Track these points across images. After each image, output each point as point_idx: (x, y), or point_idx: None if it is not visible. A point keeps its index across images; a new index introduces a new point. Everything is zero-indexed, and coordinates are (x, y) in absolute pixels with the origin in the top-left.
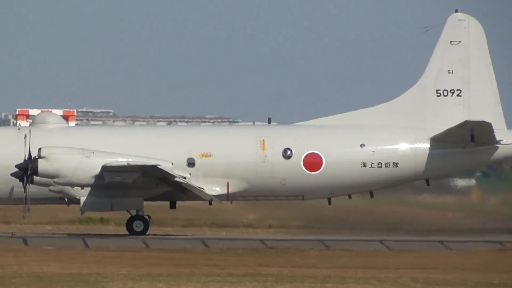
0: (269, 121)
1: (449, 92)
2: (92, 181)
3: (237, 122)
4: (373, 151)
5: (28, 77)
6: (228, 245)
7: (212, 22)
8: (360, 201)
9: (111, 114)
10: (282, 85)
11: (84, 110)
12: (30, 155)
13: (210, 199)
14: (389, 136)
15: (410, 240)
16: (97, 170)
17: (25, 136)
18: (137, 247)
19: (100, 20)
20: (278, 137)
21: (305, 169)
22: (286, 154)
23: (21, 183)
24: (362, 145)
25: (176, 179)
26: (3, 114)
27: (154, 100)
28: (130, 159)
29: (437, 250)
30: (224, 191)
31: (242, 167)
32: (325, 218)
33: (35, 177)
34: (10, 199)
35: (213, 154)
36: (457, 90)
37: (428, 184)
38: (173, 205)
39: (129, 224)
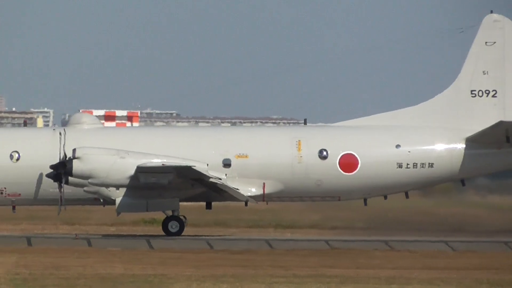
0: (305, 121)
1: (484, 93)
2: (127, 182)
3: (300, 123)
4: (408, 152)
5: (92, 78)
6: (292, 246)
7: (258, 24)
8: (422, 202)
9: (174, 115)
10: (319, 86)
11: (148, 111)
12: (65, 156)
13: (246, 200)
14: (425, 137)
15: (475, 241)
16: (132, 171)
17: (60, 136)
18: (201, 248)
19: (165, 21)
20: (314, 137)
21: (340, 170)
22: (322, 154)
23: (56, 184)
24: (397, 146)
25: (211, 180)
26: (67, 115)
27: (218, 101)
28: (165, 160)
29: (501, 251)
30: (260, 192)
31: (278, 168)
32: (389, 219)
33: (69, 178)
34: (45, 200)
35: (249, 155)
36: (492, 90)
37: (463, 184)
38: (208, 206)
39: (164, 225)
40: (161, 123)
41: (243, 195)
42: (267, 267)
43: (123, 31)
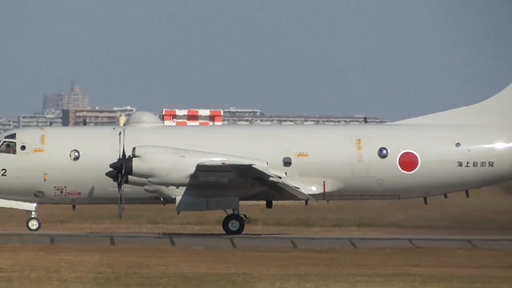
0: (365, 120)
1: None
2: (187, 180)
3: (384, 121)
4: (468, 150)
5: (175, 78)
6: (375, 245)
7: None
8: (506, 200)
9: (257, 113)
10: (377, 84)
11: (231, 110)
12: (124, 155)
13: (306, 199)
14: (485, 135)
15: None
16: (192, 170)
17: (120, 135)
18: (284, 247)
19: (245, 22)
20: (374, 136)
21: (400, 169)
22: (382, 153)
23: (115, 183)
24: (457, 144)
25: (271, 178)
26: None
27: (301, 100)
28: (224, 159)
29: None
30: (320, 191)
31: (338, 166)
32: (472, 218)
33: (129, 177)
34: (105, 199)
35: (309, 153)
36: None
37: None
38: (269, 205)
39: (225, 223)
40: (243, 122)
41: (303, 194)
42: (350, 266)
43: (203, 32)
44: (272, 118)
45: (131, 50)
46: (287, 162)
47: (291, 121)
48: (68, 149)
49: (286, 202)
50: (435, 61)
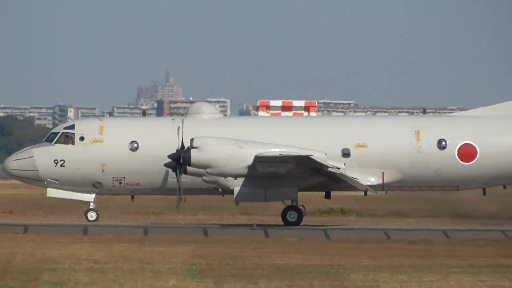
0: (424, 111)
1: None
2: (245, 171)
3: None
4: None
5: (270, 69)
6: (469, 236)
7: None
8: None
9: (352, 105)
10: (437, 75)
11: (326, 101)
12: (183, 146)
13: (365, 190)
14: None
15: None
16: (250, 161)
17: (179, 126)
18: (378, 238)
19: (333, 13)
20: (433, 127)
21: (459, 160)
22: (441, 144)
23: (174, 174)
24: None
25: (329, 169)
26: (244, 105)
27: (394, 91)
28: (283, 150)
29: None
30: (379, 181)
31: (397, 157)
32: None
33: (188, 168)
34: (164, 190)
35: (368, 144)
36: None
37: None
38: (327, 196)
39: (283, 215)
40: (338, 113)
41: (362, 185)
42: (444, 257)
43: (298, 23)
44: (366, 110)
45: (226, 42)
46: (346, 153)
47: (385, 112)
48: (126, 140)
49: (347, 192)
50: (494, 52)
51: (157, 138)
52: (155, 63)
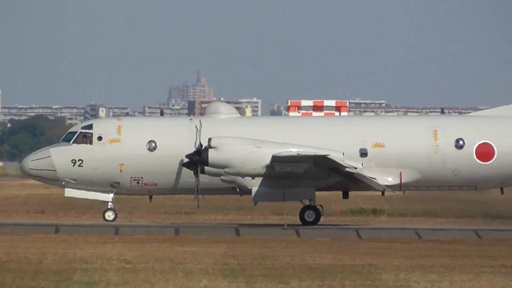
0: (442, 111)
1: None
2: (262, 171)
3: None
4: None
5: (301, 69)
6: (500, 236)
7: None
8: None
9: (383, 105)
10: (455, 75)
11: (357, 101)
12: (201, 145)
13: (383, 189)
14: None
15: None
16: (268, 161)
17: (196, 126)
18: (409, 238)
19: (365, 13)
20: (450, 127)
21: (477, 159)
22: (458, 144)
23: (192, 173)
24: None
25: (347, 169)
26: (275, 105)
27: (426, 91)
28: (300, 150)
29: None
30: (397, 181)
31: (415, 157)
32: None
33: (206, 167)
34: (182, 189)
35: (386, 144)
36: None
37: None
38: (345, 195)
39: (301, 214)
40: (369, 113)
41: (380, 185)
42: (475, 257)
43: (329, 23)
44: (397, 109)
45: (258, 42)
46: (363, 153)
47: (416, 112)
48: (144, 140)
49: (365, 192)
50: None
51: (175, 138)
52: (187, 64)
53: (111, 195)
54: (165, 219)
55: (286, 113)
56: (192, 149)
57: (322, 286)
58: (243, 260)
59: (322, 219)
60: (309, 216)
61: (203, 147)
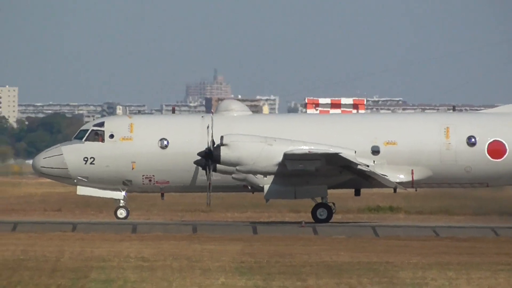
0: (453, 108)
1: None
2: (274, 169)
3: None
4: None
5: (319, 67)
6: None
7: None
8: None
9: (400, 102)
10: (466, 72)
11: (374, 99)
12: (213, 143)
13: (395, 187)
14: None
15: None
16: (279, 158)
17: (208, 124)
18: (426, 235)
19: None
20: (462, 124)
21: (489, 157)
22: (470, 141)
23: (204, 171)
24: None
25: (359, 166)
26: (292, 102)
27: (443, 88)
28: (312, 147)
29: None
30: (409, 179)
31: (427, 154)
32: None
33: (217, 165)
34: (193, 187)
35: (398, 141)
36: None
37: None
38: (357, 193)
39: (313, 212)
40: (386, 111)
41: (391, 182)
42: (493, 254)
43: (345, 22)
44: (415, 107)
45: (274, 39)
46: (375, 151)
47: (433, 109)
48: (156, 138)
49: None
50: None
51: (186, 136)
52: (204, 61)
53: (123, 193)
54: (182, 217)
55: (304, 110)
56: (204, 147)
57: (339, 284)
58: (260, 258)
59: (339, 216)
60: (321, 214)
61: (215, 145)
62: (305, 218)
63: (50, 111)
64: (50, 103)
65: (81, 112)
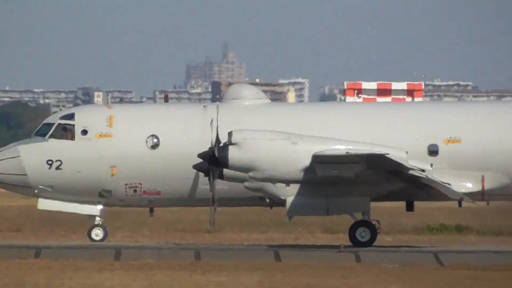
0: None
1: None
2: (300, 175)
3: None
4: None
5: (361, 45)
6: None
7: None
8: None
9: (469, 87)
10: None
11: (436, 83)
12: (218, 141)
13: (460, 199)
14: None
15: None
16: (307, 161)
17: (212, 116)
18: (506, 264)
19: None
20: None
21: None
22: None
23: (206, 178)
24: None
25: (411, 172)
26: (326, 87)
27: None
28: (350, 147)
29: None
30: (478, 188)
31: (501, 156)
32: None
33: (224, 170)
34: (193, 200)
35: (463, 139)
36: None
37: None
38: (410, 207)
39: (352, 232)
40: (450, 99)
41: (455, 192)
42: None
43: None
44: (488, 94)
45: (301, 4)
46: (433, 151)
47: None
48: (143, 134)
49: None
50: None
51: (183, 132)
52: (210, 34)
53: (99, 207)
54: (182, 239)
55: (342, 97)
56: (206, 147)
57: None
58: None
59: (389, 238)
60: (363, 235)
61: (221, 144)
62: (343, 241)
63: (7, 99)
64: (7, 88)
65: (48, 101)
